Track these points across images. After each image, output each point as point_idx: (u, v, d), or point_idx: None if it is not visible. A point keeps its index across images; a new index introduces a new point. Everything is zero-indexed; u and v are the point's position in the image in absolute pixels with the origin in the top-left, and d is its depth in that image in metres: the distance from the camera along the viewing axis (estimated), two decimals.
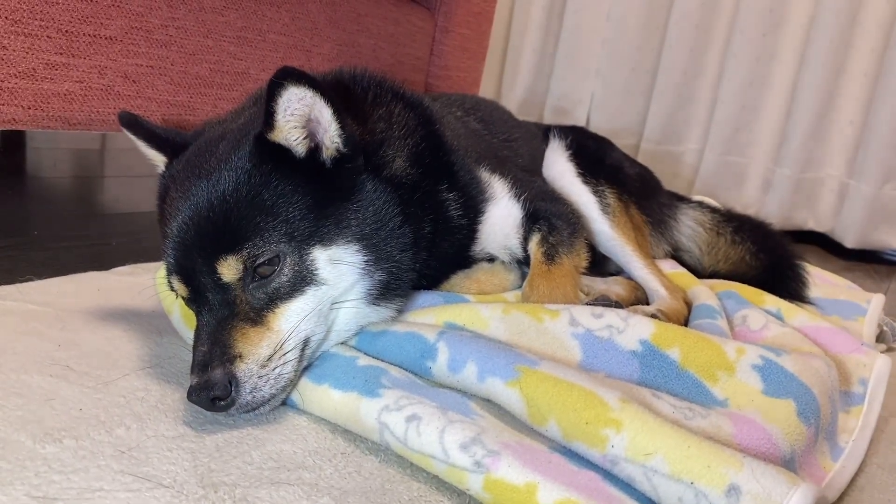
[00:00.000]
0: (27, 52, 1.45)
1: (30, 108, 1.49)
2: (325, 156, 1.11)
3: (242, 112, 1.29)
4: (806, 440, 0.99)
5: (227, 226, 1.03)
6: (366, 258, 1.11)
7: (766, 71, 3.25)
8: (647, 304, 1.55)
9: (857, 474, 1.06)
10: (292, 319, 1.05)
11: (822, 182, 3.18)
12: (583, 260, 1.48)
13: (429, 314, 1.24)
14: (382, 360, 1.14)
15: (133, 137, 1.29)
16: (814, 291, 1.71)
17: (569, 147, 1.74)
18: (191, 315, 1.13)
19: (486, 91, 3.70)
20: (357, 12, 2.18)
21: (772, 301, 1.53)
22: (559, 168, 1.71)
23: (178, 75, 1.73)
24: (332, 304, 1.10)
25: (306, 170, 1.09)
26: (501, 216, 1.42)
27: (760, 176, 3.33)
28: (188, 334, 1.19)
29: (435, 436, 0.91)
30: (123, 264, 1.58)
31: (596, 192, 1.65)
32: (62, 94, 1.53)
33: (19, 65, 1.45)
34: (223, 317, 1.02)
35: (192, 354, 1.01)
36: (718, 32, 3.39)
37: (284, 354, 1.02)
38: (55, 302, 1.32)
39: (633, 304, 1.54)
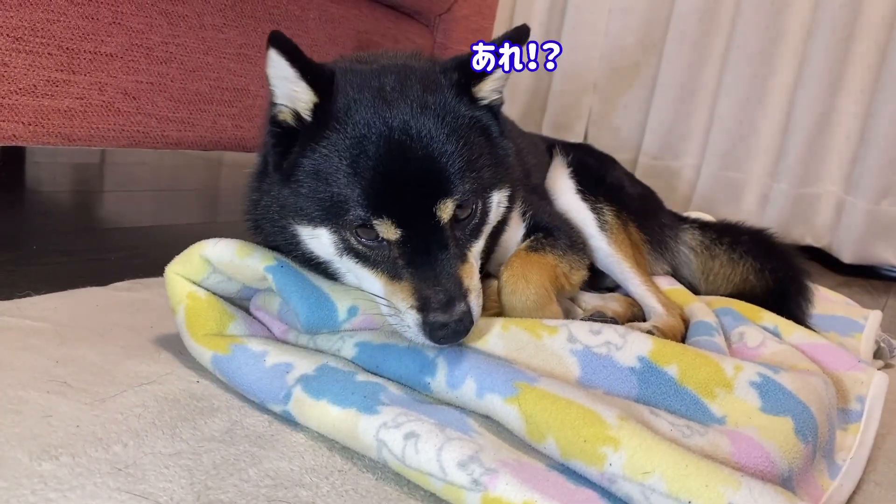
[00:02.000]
0: (28, 69, 1.46)
1: (30, 125, 1.50)
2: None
3: (383, 56, 1.36)
4: (804, 458, 0.99)
5: (448, 171, 1.12)
6: (508, 198, 1.30)
7: (763, 87, 3.27)
8: (644, 320, 1.55)
9: (854, 492, 1.06)
10: (477, 255, 1.21)
11: (819, 197, 3.20)
12: (574, 271, 1.48)
13: None
14: (381, 376, 1.14)
15: (288, 66, 1.09)
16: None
17: (570, 164, 1.78)
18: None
19: None
20: (356, 29, 2.20)
21: (769, 318, 1.53)
22: (560, 185, 1.74)
23: (178, 92, 1.74)
24: None
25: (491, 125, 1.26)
26: (508, 238, 1.44)
27: (758, 191, 3.34)
28: (188, 337, 1.19)
29: (433, 453, 0.90)
30: (122, 280, 1.58)
31: (594, 209, 1.67)
32: (62, 110, 1.54)
33: (20, 81, 1.46)
34: (445, 257, 1.11)
35: (411, 296, 1.09)
36: (716, 49, 3.41)
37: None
38: (53, 317, 1.32)
39: (629, 321, 1.54)
